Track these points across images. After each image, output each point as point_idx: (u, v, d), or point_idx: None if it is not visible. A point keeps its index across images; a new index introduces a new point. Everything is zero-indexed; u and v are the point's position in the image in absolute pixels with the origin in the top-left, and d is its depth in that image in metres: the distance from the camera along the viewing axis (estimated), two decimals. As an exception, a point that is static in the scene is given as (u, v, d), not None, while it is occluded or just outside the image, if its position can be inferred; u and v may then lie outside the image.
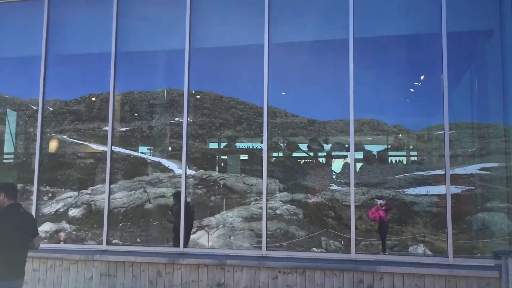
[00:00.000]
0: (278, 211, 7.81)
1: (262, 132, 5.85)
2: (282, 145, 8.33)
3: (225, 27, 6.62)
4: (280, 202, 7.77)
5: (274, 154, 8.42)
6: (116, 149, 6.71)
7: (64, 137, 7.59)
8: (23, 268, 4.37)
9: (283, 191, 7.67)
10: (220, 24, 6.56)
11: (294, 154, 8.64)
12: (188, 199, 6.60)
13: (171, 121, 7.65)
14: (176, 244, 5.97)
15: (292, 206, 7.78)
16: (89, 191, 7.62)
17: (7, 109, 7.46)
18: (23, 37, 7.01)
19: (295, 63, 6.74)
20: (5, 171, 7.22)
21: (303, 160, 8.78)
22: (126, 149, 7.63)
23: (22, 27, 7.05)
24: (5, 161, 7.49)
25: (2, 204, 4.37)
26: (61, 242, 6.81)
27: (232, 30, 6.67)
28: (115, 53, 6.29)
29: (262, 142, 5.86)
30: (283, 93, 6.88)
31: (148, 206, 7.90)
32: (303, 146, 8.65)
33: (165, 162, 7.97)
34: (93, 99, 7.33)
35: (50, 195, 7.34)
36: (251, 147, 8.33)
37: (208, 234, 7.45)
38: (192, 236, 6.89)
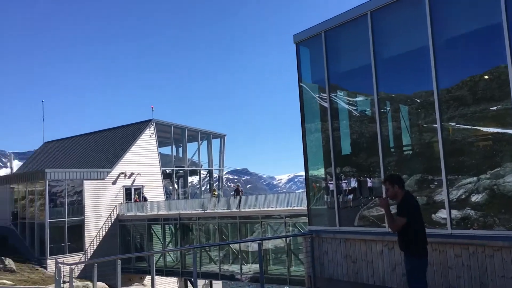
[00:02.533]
0: None
1: None
2: None
3: None
4: None
5: None
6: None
7: (452, 124, 7.58)
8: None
9: None
10: None
11: None
12: None
13: None
14: None
15: None
16: (488, 176, 7.33)
17: (400, 105, 8.08)
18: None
19: None
20: (405, 162, 7.84)
21: None
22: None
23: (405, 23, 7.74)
24: (405, 152, 8.15)
25: (397, 194, 5.35)
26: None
27: None
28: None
29: None
30: None
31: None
32: None
33: None
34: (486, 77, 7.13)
35: (448, 182, 7.45)
36: None
37: None
38: None
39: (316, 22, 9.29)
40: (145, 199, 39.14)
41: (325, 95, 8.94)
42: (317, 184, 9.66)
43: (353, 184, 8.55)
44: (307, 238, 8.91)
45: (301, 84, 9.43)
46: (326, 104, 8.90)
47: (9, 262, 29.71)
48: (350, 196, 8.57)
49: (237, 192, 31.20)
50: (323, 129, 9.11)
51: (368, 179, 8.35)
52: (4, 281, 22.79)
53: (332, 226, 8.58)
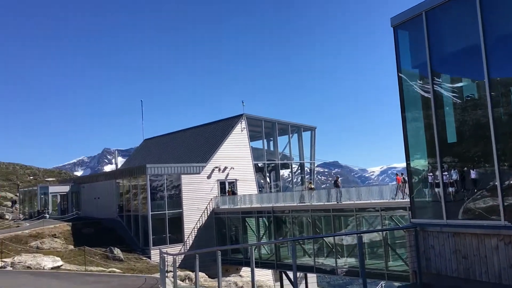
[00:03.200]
0: None
1: None
2: None
3: None
4: None
5: None
6: None
7: None
8: None
9: None
10: None
11: None
12: None
13: None
14: None
15: None
16: None
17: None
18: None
19: None
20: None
21: None
22: None
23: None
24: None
25: None
26: None
27: None
28: None
29: None
30: None
31: None
32: None
33: None
34: None
35: None
36: None
37: None
38: None
39: (415, 3, 8.75)
40: (234, 193, 40.08)
41: (426, 81, 8.42)
42: (418, 176, 9.16)
43: (454, 176, 7.97)
44: (410, 231, 8.50)
45: (400, 70, 8.97)
46: (427, 91, 8.37)
47: (117, 251, 31.99)
48: (452, 189, 8.01)
49: (336, 184, 30.75)
50: (425, 117, 8.59)
51: (471, 170, 7.74)
52: (114, 269, 24.58)
53: (438, 219, 8.08)
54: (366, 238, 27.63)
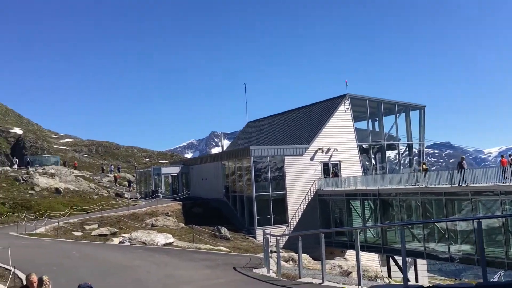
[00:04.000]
0: None
1: None
2: None
3: None
4: None
5: None
6: None
7: None
8: None
9: None
10: None
11: None
12: None
13: None
14: None
15: None
16: None
17: None
18: None
19: None
20: None
21: None
22: None
23: None
24: None
25: None
26: None
27: None
28: None
29: None
30: None
31: None
32: None
33: None
34: None
35: None
36: None
37: None
38: None
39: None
40: (336, 175, 39.24)
41: None
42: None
43: None
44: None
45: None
46: None
47: (224, 230, 33.10)
48: None
49: (460, 165, 28.43)
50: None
51: None
52: (221, 247, 25.47)
53: None
54: (483, 224, 25.53)
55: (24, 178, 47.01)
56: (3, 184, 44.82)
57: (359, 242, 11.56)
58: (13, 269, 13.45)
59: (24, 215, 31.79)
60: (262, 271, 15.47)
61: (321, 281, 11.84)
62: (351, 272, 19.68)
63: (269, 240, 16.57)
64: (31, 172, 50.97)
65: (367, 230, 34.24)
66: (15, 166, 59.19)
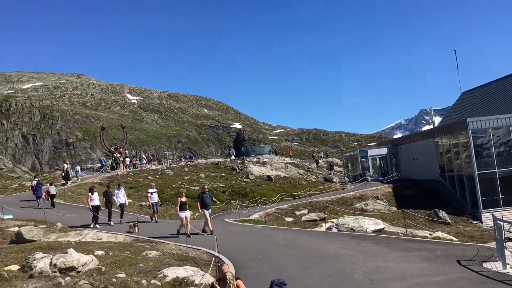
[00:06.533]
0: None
1: None
2: None
3: None
4: None
5: None
6: None
7: None
8: None
9: None
10: None
11: None
12: None
13: None
14: None
15: None
16: None
17: None
18: None
19: None
20: None
21: None
22: None
23: None
24: None
25: None
26: None
27: None
28: None
29: None
30: None
31: None
32: None
33: None
34: None
35: None
36: None
37: None
38: None
39: None
40: None
41: None
42: None
43: None
44: None
45: None
46: None
47: (443, 214, 29.53)
48: None
49: None
50: None
51: None
52: (439, 234, 22.31)
53: None
54: None
55: (239, 168, 50.61)
56: (223, 174, 48.95)
57: None
58: (215, 258, 13.49)
59: (236, 202, 33.68)
60: (496, 265, 12.48)
61: None
62: None
63: (502, 227, 13.32)
64: (245, 161, 54.90)
65: None
66: (232, 157, 65.62)
